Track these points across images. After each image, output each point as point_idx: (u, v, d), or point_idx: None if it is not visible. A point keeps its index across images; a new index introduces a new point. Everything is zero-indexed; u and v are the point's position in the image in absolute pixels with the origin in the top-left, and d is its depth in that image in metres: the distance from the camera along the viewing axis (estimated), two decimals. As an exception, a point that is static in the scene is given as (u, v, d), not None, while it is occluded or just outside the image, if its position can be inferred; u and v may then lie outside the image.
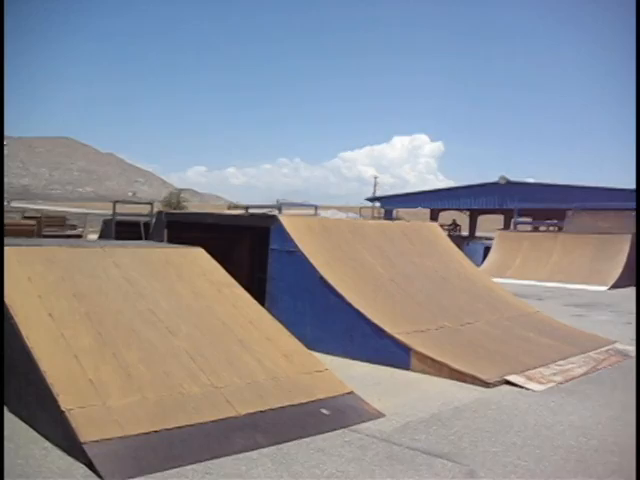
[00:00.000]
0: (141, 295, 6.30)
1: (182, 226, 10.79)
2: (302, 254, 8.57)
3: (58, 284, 5.97)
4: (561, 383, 6.92)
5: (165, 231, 10.76)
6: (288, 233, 8.79)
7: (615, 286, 18.89)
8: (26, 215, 27.08)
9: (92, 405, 4.67)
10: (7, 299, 5.40)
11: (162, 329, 5.87)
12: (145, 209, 19.97)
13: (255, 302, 7.10)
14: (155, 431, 4.59)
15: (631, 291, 18.64)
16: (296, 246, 8.66)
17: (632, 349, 8.88)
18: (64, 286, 5.97)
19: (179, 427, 4.70)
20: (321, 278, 8.28)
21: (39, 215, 26.69)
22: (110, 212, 20.00)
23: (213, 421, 4.89)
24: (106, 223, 20.69)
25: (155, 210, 19.34)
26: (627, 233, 20.94)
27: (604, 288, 18.67)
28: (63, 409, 4.50)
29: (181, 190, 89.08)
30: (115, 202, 18.05)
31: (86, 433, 4.35)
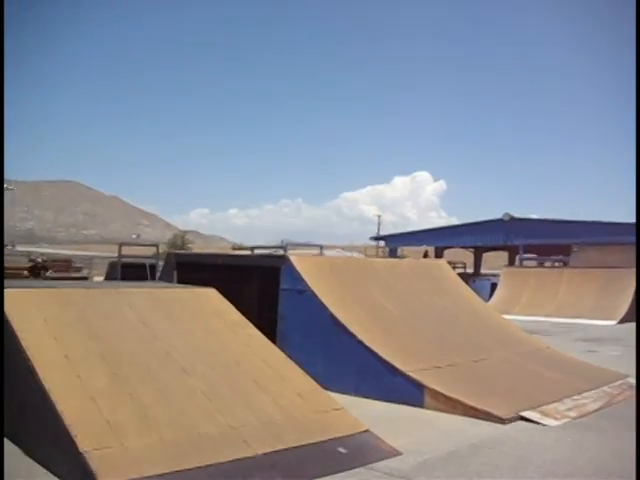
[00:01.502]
0: (155, 336, 6.32)
1: (191, 267, 10.83)
2: (313, 293, 8.60)
3: (73, 326, 6.01)
4: (576, 418, 6.88)
5: (175, 272, 10.80)
6: (299, 272, 8.83)
7: (624, 320, 18.82)
8: (31, 258, 27.25)
9: (110, 446, 4.66)
10: (23, 341, 5.43)
11: (177, 369, 5.88)
12: (148, 251, 20.09)
13: (268, 341, 7.12)
14: (174, 472, 4.58)
15: (640, 325, 18.57)
16: (307, 285, 8.70)
17: (645, 383, 8.84)
18: (79, 327, 6.01)
19: (197, 467, 4.69)
20: (332, 317, 8.30)
21: (45, 258, 26.85)
22: (114, 254, 20.17)
23: (231, 461, 4.87)
24: (112, 265, 20.82)
25: (160, 252, 19.48)
26: (633, 267, 20.95)
27: (613, 323, 18.61)
28: (81, 451, 4.50)
29: (185, 232, 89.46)
30: (121, 244, 18.19)
31: (105, 475, 4.34)
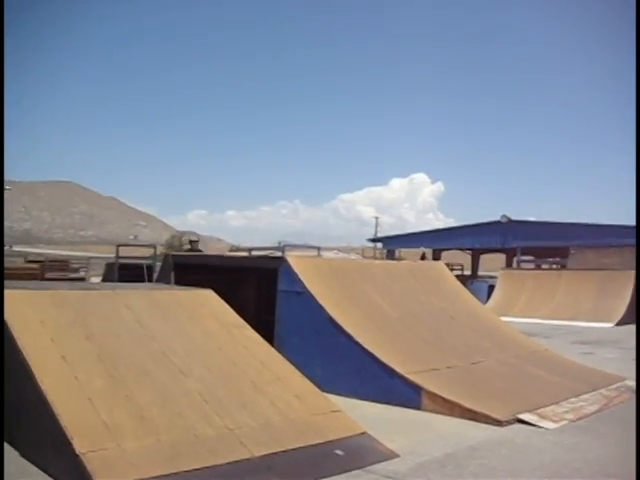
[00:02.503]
0: (153, 337, 6.31)
1: (188, 268, 10.81)
2: (311, 295, 8.59)
3: (70, 327, 5.99)
4: (574, 421, 6.88)
5: (172, 273, 10.79)
6: (296, 274, 8.82)
7: (621, 323, 18.84)
8: (29, 259, 27.18)
9: (107, 448, 4.65)
10: (20, 342, 5.41)
11: (174, 371, 5.87)
12: (146, 252, 20.05)
13: (265, 343, 7.11)
14: (171, 474, 4.56)
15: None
16: (304, 287, 8.68)
17: (643, 386, 8.85)
18: (76, 329, 5.99)
19: (194, 469, 4.67)
20: (330, 319, 8.29)
21: (42, 259, 26.77)
22: (111, 255, 20.13)
23: (228, 463, 4.86)
24: (109, 266, 20.77)
25: (158, 253, 19.45)
26: (631, 269, 20.99)
27: (610, 325, 18.63)
28: (78, 453, 4.48)
29: (183, 233, 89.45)
30: (118, 245, 18.17)
31: (102, 476, 4.32)
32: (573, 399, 7.75)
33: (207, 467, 4.75)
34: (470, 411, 6.83)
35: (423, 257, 42.52)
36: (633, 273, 20.61)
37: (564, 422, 6.79)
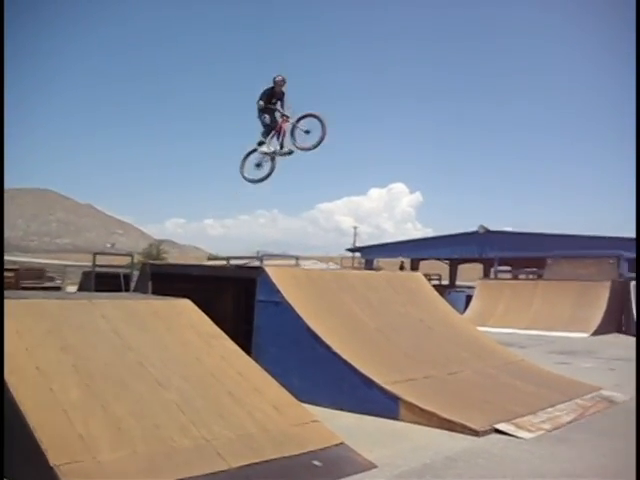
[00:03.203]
0: (130, 347, 6.26)
1: (166, 278, 10.75)
2: (289, 305, 8.58)
3: (46, 337, 5.92)
4: (550, 430, 6.93)
5: (150, 283, 10.71)
6: (274, 284, 8.81)
7: (596, 333, 19.04)
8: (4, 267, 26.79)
9: (82, 460, 4.59)
10: (-6, 353, 5.34)
11: (151, 381, 5.82)
12: (123, 261, 19.89)
13: (243, 353, 7.08)
14: (147, 486, 4.52)
15: (613, 338, 18.84)
16: (282, 297, 8.67)
17: (618, 395, 8.95)
18: (52, 339, 5.92)
19: (171, 482, 4.63)
20: (308, 329, 8.28)
21: (17, 267, 26.43)
22: (88, 264, 19.89)
23: (205, 475, 4.82)
24: (86, 275, 20.55)
25: (135, 261, 19.31)
26: (606, 280, 21.23)
27: (586, 335, 18.80)
28: (52, 465, 4.42)
29: (161, 241, 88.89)
30: (95, 254, 17.99)
31: (76, 489, 4.27)
32: (549, 409, 7.81)
33: (183, 479, 4.70)
34: (447, 421, 6.85)
35: (402, 267, 42.72)
36: (609, 284, 20.87)
37: (540, 432, 6.84)
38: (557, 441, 6.55)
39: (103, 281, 15.95)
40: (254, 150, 11.08)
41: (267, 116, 10.66)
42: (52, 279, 26.76)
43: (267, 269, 9.15)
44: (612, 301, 20.45)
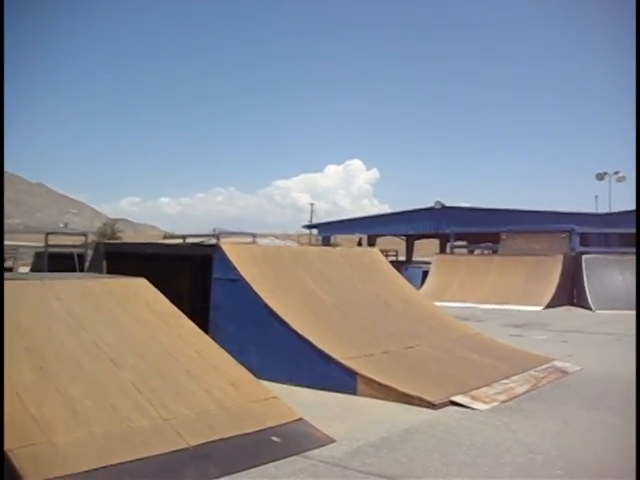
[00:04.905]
0: (84, 328, 6.15)
1: (121, 257, 10.60)
2: (246, 282, 8.55)
3: (-3, 319, 5.78)
4: (505, 402, 7.07)
5: (104, 262, 10.55)
6: (231, 261, 8.76)
7: (549, 306, 19.50)
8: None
9: (36, 443, 4.51)
10: (-58, 336, 5.20)
11: (107, 361, 5.74)
12: (77, 240, 19.56)
13: (201, 332, 7.03)
14: (103, 467, 4.47)
15: (564, 310, 19.34)
16: (239, 274, 8.63)
17: (569, 365, 9.19)
18: (3, 321, 5.78)
19: (128, 461, 4.59)
20: (265, 306, 8.27)
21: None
22: (40, 244, 19.52)
23: (163, 454, 4.80)
24: (38, 255, 20.17)
25: (89, 241, 19.00)
26: (559, 254, 21.70)
27: (539, 308, 19.23)
28: (5, 450, 4.34)
29: (115, 220, 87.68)
30: (47, 234, 17.65)
31: (31, 473, 4.20)
32: (504, 380, 7.97)
33: (141, 459, 4.67)
34: (405, 395, 6.94)
35: (359, 243, 43.00)
36: (561, 258, 21.34)
37: (495, 403, 6.98)
38: (511, 411, 6.69)
39: (56, 261, 15.71)
40: None
41: None
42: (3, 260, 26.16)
43: (223, 246, 9.09)
44: (564, 275, 20.93)
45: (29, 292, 6.54)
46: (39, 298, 6.44)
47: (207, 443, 5.07)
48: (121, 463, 4.56)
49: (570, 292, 21.40)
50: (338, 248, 18.21)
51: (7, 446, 4.35)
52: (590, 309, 19.12)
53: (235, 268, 8.71)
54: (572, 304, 20.78)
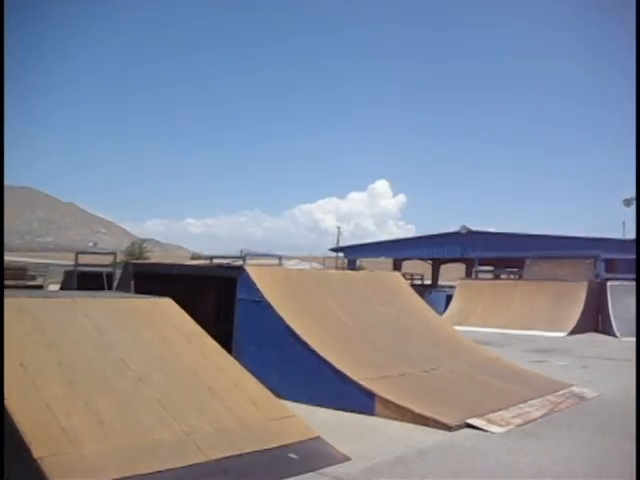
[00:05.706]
0: (111, 344, 6.41)
1: (148, 277, 10.88)
2: (268, 304, 8.76)
3: (29, 334, 6.06)
4: (520, 425, 7.16)
5: (132, 282, 10.84)
6: (255, 283, 8.98)
7: (573, 332, 19.38)
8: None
9: (65, 453, 4.75)
10: (-21, 349, 5.47)
11: (133, 377, 5.98)
12: (106, 259, 19.91)
13: (223, 351, 7.25)
14: (127, 477, 4.68)
15: (589, 337, 19.20)
16: (262, 296, 8.85)
17: (588, 391, 9.22)
18: (35, 335, 6.06)
19: (151, 473, 4.80)
20: (287, 327, 8.46)
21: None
22: (70, 262, 19.89)
23: (184, 467, 5.00)
24: (68, 274, 20.55)
25: (118, 260, 19.35)
26: (584, 280, 21.60)
27: (563, 334, 19.13)
28: (36, 457, 4.57)
29: (143, 240, 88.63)
30: (77, 253, 18.03)
31: (59, 480, 4.43)
32: (521, 405, 8.05)
33: (163, 470, 4.88)
34: (421, 416, 7.07)
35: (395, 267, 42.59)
36: (586, 284, 21.23)
37: (511, 426, 7.07)
38: (526, 435, 6.78)
39: (85, 280, 16.01)
40: None
41: None
42: (34, 278, 26.70)
43: (247, 268, 9.33)
44: (589, 301, 20.81)
45: (59, 309, 6.82)
46: (69, 315, 6.72)
47: (226, 458, 5.26)
48: (144, 474, 4.77)
49: (595, 319, 21.25)
50: (360, 272, 18.36)
51: (37, 454, 4.59)
52: (615, 336, 19.00)
53: (258, 290, 8.93)
54: (597, 330, 20.64)
